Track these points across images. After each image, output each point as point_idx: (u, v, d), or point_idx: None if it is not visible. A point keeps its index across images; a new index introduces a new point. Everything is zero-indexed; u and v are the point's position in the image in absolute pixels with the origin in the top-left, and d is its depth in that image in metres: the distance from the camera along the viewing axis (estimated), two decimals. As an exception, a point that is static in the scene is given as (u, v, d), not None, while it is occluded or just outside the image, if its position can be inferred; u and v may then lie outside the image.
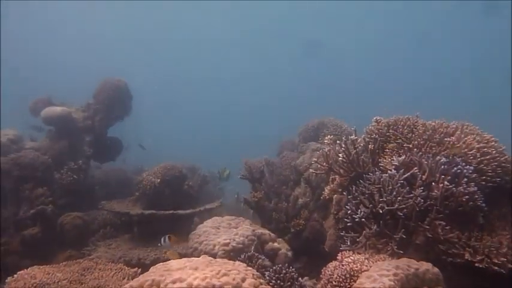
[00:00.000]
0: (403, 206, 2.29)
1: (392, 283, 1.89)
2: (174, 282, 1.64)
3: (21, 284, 1.93)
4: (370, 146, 2.88)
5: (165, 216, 3.90)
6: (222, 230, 3.47)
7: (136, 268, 2.39)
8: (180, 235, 3.99)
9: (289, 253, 3.40)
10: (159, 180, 4.27)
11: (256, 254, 3.02)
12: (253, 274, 1.82)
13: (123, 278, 2.08)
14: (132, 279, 2.16)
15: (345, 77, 21.14)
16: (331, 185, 3.39)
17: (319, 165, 3.32)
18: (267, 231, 3.53)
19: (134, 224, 4.21)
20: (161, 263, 1.89)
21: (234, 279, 1.69)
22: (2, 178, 3.92)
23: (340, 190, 3.27)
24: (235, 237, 3.29)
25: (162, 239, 3.06)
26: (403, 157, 2.57)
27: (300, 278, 2.44)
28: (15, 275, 2.05)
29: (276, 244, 3.43)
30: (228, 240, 3.22)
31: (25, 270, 2.10)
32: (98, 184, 5.14)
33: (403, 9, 21.31)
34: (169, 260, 2.34)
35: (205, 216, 4.19)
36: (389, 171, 2.52)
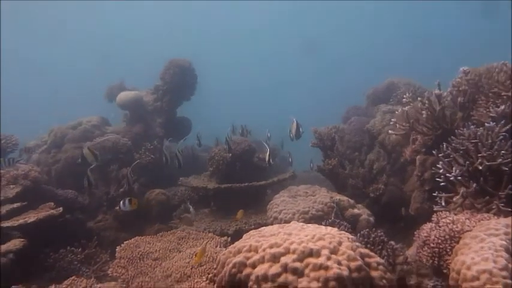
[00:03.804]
0: (509, 159, 2.05)
1: (504, 242, 1.72)
2: (271, 247, 1.65)
3: (128, 253, 2.10)
4: (459, 99, 2.62)
5: (240, 189, 3.99)
6: (299, 198, 3.46)
7: (226, 237, 2.48)
8: (256, 206, 4.09)
9: (371, 218, 3.30)
10: (230, 154, 4.36)
11: (338, 221, 2.97)
12: (348, 237, 1.77)
13: (216, 246, 2.17)
14: (224, 246, 2.23)
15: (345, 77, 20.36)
16: (413, 146, 3.17)
17: (398, 126, 3.12)
18: (345, 198, 3.45)
19: (211, 197, 4.38)
20: (254, 230, 1.91)
21: (330, 243, 1.66)
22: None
23: (423, 150, 3.06)
24: (314, 204, 3.26)
25: (122, 203, 2.90)
26: (503, 107, 2.30)
27: (390, 241, 2.34)
28: (122, 245, 2.24)
29: (356, 210, 3.34)
30: (307, 208, 3.20)
31: (130, 240, 2.28)
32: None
33: (403, 9, 20.72)
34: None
35: (277, 188, 4.23)
36: (486, 124, 2.27)
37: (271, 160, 3.52)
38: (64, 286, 1.83)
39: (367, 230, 2.45)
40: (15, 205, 2.91)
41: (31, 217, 2.75)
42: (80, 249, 3.30)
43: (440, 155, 2.42)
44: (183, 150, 5.18)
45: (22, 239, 2.60)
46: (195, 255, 1.87)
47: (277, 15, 23.37)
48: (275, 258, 1.59)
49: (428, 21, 21.32)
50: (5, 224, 2.63)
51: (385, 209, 3.69)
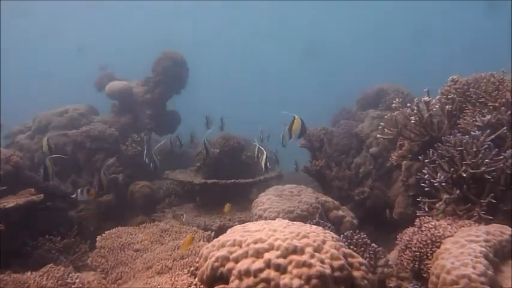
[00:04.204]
0: (492, 168, 2.09)
1: (484, 249, 1.76)
2: (255, 242, 1.64)
3: (109, 243, 2.07)
4: (447, 107, 2.66)
5: (226, 186, 3.97)
6: (284, 197, 3.46)
7: (210, 231, 2.46)
8: (241, 203, 4.08)
9: (355, 221, 3.32)
10: (218, 150, 4.33)
11: (322, 222, 2.98)
12: (332, 237, 1.78)
13: (199, 240, 2.15)
14: (208, 241, 2.22)
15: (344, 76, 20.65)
16: (399, 151, 3.21)
17: (386, 130, 3.15)
18: (330, 199, 3.46)
19: (196, 192, 4.35)
20: (239, 225, 1.90)
21: (314, 241, 1.66)
22: (76, 150, 4.21)
23: (409, 156, 3.10)
24: (299, 204, 3.26)
25: (79, 191, 2.88)
26: (489, 117, 2.34)
27: (373, 244, 2.36)
28: (103, 234, 2.20)
29: (340, 212, 3.36)
30: (292, 208, 3.20)
31: (111, 230, 2.25)
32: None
33: (402, 9, 20.99)
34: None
35: (263, 186, 4.23)
36: (472, 133, 2.31)
37: (268, 164, 3.38)
38: (40, 273, 1.78)
39: (351, 231, 2.47)
40: (-6, 189, 2.83)
41: (10, 202, 2.68)
42: (59, 238, 3.23)
43: (426, 160, 2.45)
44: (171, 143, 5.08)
45: (-1, 224, 2.53)
46: (182, 244, 1.85)
47: (277, 14, 23.36)
48: (259, 254, 1.58)
49: (431, 21, 21.39)
50: (-17, 208, 2.56)
51: (369, 212, 3.73)
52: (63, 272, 1.83)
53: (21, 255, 2.94)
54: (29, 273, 1.79)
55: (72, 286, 1.73)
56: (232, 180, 3.97)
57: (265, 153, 3.31)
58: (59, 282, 1.76)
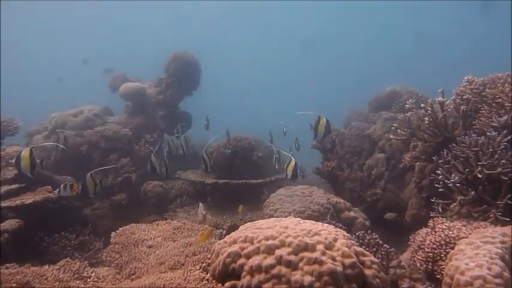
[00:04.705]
0: (509, 169, 2.06)
1: (500, 251, 1.73)
2: (267, 239, 1.65)
3: (123, 239, 2.10)
4: (462, 107, 2.63)
5: (237, 186, 3.99)
6: (295, 198, 3.46)
7: (222, 229, 2.48)
8: (252, 204, 4.09)
9: (367, 222, 3.30)
10: (229, 151, 4.36)
11: (333, 222, 2.97)
12: (344, 235, 1.78)
13: (211, 237, 2.16)
14: (219, 238, 2.23)
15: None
16: (413, 152, 3.19)
17: (399, 131, 3.12)
18: (341, 200, 3.45)
19: (208, 193, 4.38)
20: (250, 223, 1.92)
21: (326, 239, 1.66)
22: (91, 150, 4.29)
23: (423, 157, 3.07)
24: (310, 205, 3.26)
25: (62, 187, 2.82)
26: (505, 117, 2.30)
27: (385, 244, 2.34)
28: (117, 231, 2.24)
29: (352, 213, 3.35)
30: (303, 208, 3.20)
31: (125, 226, 2.28)
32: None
33: (402, 9, 20.75)
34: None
35: (274, 187, 4.23)
36: (488, 133, 2.28)
37: (298, 171, 3.15)
38: (58, 267, 1.83)
39: (363, 232, 2.45)
40: (13, 186, 2.90)
41: (28, 198, 2.75)
42: (74, 236, 3.29)
43: (440, 161, 2.42)
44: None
45: (18, 220, 2.59)
46: (200, 236, 1.87)
47: (277, 14, 23.38)
48: (270, 250, 1.59)
49: (428, 21, 21.32)
50: (3, 203, 2.63)
51: (381, 214, 3.69)
52: (79, 266, 1.87)
53: (37, 252, 3.01)
54: (47, 266, 1.83)
55: (88, 280, 1.77)
56: (244, 181, 3.99)
57: (293, 160, 2.92)
58: (75, 275, 1.80)
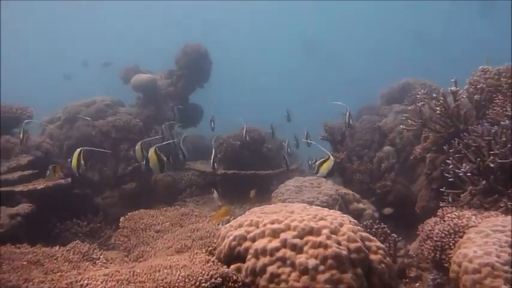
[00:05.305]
0: (521, 158, 2.02)
1: (510, 239, 1.70)
2: (272, 222, 1.66)
3: (132, 224, 2.14)
4: (475, 97, 2.57)
5: (246, 176, 4.00)
6: (304, 189, 3.45)
7: (229, 216, 2.49)
8: (262, 195, 4.09)
9: (376, 214, 3.27)
10: (239, 142, 4.37)
11: (342, 213, 2.95)
12: (350, 220, 1.77)
13: (218, 224, 2.18)
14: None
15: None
16: (424, 144, 3.14)
17: (410, 121, 3.08)
18: (350, 192, 3.43)
19: (217, 184, 4.40)
20: (257, 207, 1.92)
21: (331, 223, 1.66)
22: (102, 139, 4.35)
23: (434, 149, 3.02)
24: (319, 196, 3.25)
25: (50, 167, 2.84)
26: (519, 106, 2.25)
27: (393, 234, 2.33)
28: (126, 216, 2.28)
29: (361, 205, 3.33)
30: (311, 199, 3.19)
31: (134, 212, 2.32)
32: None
33: (401, 8, 20.61)
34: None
35: (283, 179, 4.22)
36: (501, 123, 2.23)
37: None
38: (68, 248, 1.87)
39: (371, 221, 2.44)
40: (26, 172, 2.97)
41: (41, 184, 2.81)
42: (85, 223, 3.36)
43: (451, 150, 2.39)
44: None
45: (30, 205, 2.66)
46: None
47: (277, 13, 23.33)
48: (275, 234, 1.60)
49: (427, 21, 21.02)
50: (17, 188, 2.70)
51: (391, 207, 3.66)
52: (89, 248, 1.90)
53: (49, 237, 3.08)
54: (57, 247, 1.87)
55: (97, 261, 1.80)
56: (252, 172, 3.99)
57: (331, 158, 2.65)
58: (85, 257, 1.83)
